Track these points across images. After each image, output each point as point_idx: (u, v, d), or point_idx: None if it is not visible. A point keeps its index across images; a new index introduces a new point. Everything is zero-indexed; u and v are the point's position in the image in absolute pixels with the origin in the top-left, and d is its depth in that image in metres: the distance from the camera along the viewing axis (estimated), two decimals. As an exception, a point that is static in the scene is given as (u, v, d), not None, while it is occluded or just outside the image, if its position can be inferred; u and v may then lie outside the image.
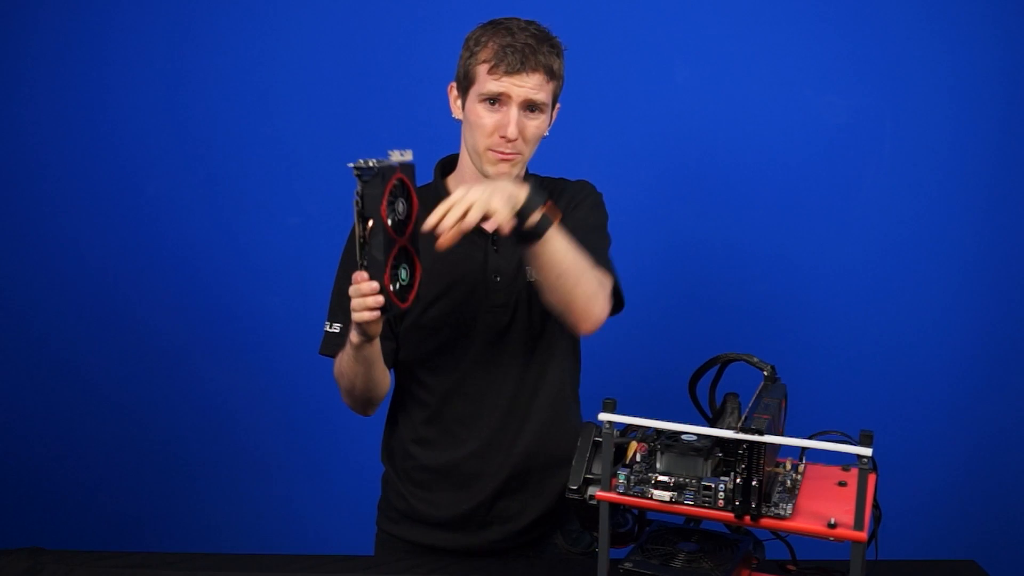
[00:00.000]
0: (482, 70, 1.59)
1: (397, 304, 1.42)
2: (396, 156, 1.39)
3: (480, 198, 1.37)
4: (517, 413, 1.70)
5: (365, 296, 1.39)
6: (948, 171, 2.47)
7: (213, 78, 2.60)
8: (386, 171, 1.36)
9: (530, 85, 1.58)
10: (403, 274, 1.45)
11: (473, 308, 1.66)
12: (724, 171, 2.53)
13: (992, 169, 2.47)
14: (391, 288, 1.40)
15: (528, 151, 1.64)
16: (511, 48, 1.57)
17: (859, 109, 2.47)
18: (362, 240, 1.37)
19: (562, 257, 1.48)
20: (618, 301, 1.65)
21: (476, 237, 1.66)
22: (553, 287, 1.52)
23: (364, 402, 1.70)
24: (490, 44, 1.59)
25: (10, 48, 2.61)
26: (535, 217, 1.43)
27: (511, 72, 1.57)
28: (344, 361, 1.62)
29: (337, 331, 1.69)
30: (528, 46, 1.57)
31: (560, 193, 1.72)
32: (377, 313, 1.40)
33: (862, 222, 2.50)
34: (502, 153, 1.60)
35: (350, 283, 1.62)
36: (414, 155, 1.47)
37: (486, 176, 1.63)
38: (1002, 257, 2.49)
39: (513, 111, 1.58)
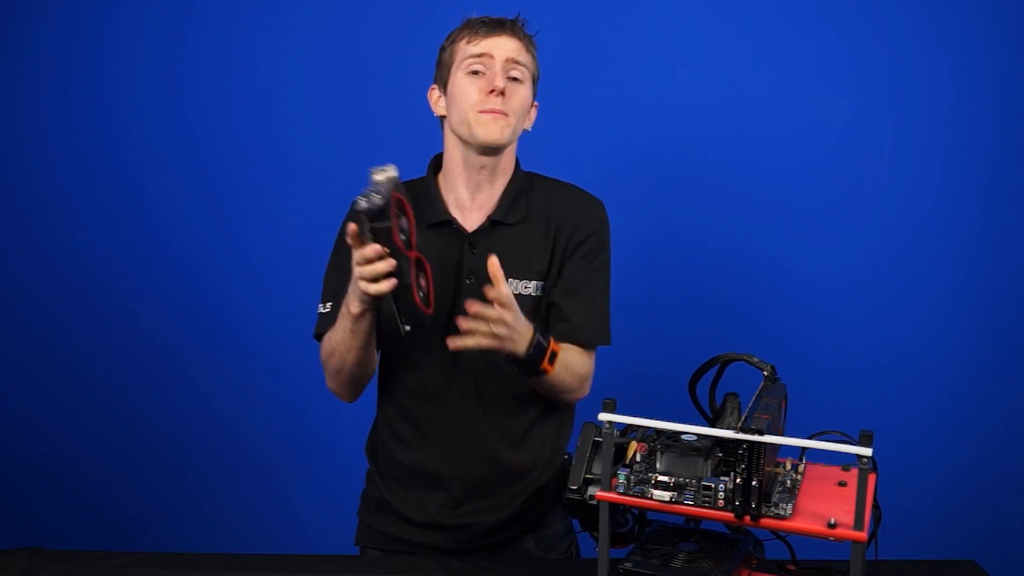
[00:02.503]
0: (461, 45, 1.64)
1: (425, 313, 1.49)
2: (380, 175, 1.38)
3: (511, 333, 1.50)
4: (481, 418, 1.69)
5: (374, 264, 1.42)
6: (948, 171, 2.48)
7: (213, 78, 2.60)
8: (387, 200, 1.37)
9: (510, 47, 1.63)
10: (422, 282, 1.49)
11: (443, 308, 1.63)
12: (724, 171, 2.53)
13: (992, 170, 2.47)
14: (418, 300, 1.45)
15: (516, 118, 1.64)
16: (487, 19, 1.65)
17: (859, 109, 2.48)
18: None
19: (545, 385, 1.63)
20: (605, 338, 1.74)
21: (454, 237, 1.67)
22: (535, 385, 1.66)
23: (352, 381, 1.70)
24: (465, 28, 1.66)
25: (11, 47, 2.61)
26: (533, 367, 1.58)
27: (489, 34, 1.63)
28: (337, 338, 1.62)
29: (328, 310, 1.68)
30: (503, 20, 1.66)
31: (571, 208, 1.71)
32: (387, 284, 1.43)
33: (862, 222, 2.50)
34: (491, 110, 1.60)
35: (342, 267, 1.63)
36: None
37: (479, 143, 1.62)
38: (1002, 257, 2.49)
39: (497, 68, 1.61)
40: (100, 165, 2.64)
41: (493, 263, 1.48)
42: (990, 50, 2.43)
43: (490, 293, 1.48)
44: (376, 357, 1.72)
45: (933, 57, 2.44)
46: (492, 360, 1.61)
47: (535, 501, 1.73)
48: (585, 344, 1.69)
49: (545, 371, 1.58)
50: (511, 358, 1.55)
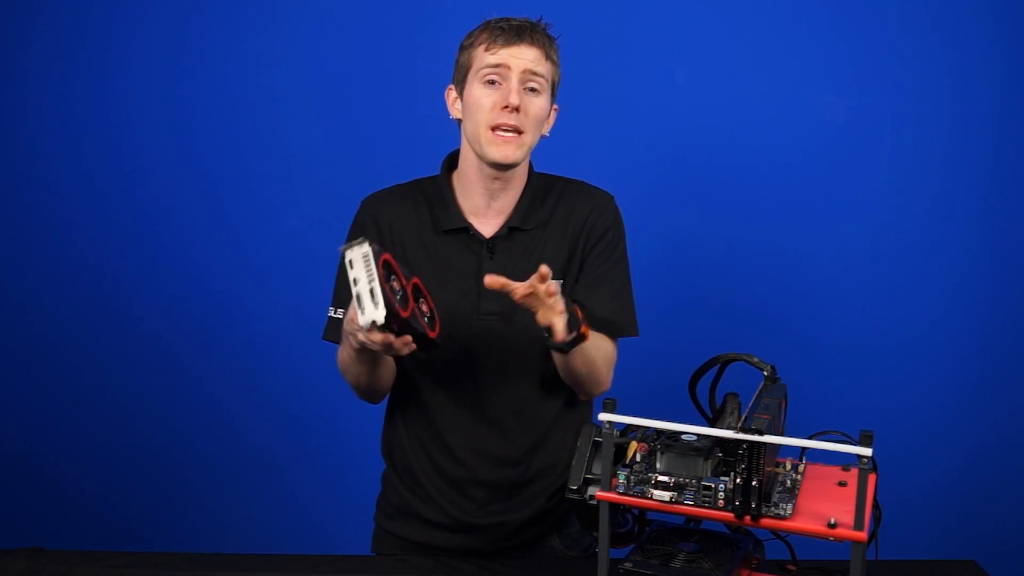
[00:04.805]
0: (479, 51, 1.59)
1: (433, 338, 1.49)
2: (351, 252, 1.31)
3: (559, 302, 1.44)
4: (509, 424, 1.69)
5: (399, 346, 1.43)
6: (948, 171, 2.48)
7: (213, 78, 2.60)
8: (376, 262, 1.31)
9: (529, 57, 1.58)
10: (424, 307, 1.49)
11: (464, 313, 1.63)
12: (724, 171, 2.53)
13: (992, 169, 2.47)
14: (428, 331, 1.46)
15: (531, 134, 1.60)
16: (507, 25, 1.59)
17: (859, 109, 2.48)
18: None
19: (580, 362, 1.58)
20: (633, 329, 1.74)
21: (471, 243, 1.66)
22: (565, 373, 1.63)
23: (371, 395, 1.70)
24: (485, 31, 1.61)
25: (11, 47, 2.62)
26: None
27: (508, 44, 1.57)
28: (346, 360, 1.61)
29: (339, 316, 1.65)
30: (523, 26, 1.60)
31: (586, 206, 1.70)
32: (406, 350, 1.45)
33: (862, 222, 2.51)
34: (504, 134, 1.57)
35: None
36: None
37: (490, 162, 1.59)
38: (1002, 257, 2.49)
39: (513, 81, 1.57)
40: (100, 165, 2.64)
41: (544, 274, 1.41)
42: (990, 50, 2.43)
43: (524, 288, 1.42)
44: (394, 370, 1.69)
45: (933, 57, 2.44)
46: (536, 343, 1.58)
47: (560, 497, 1.72)
48: (611, 333, 1.68)
49: (584, 336, 1.52)
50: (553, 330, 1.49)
